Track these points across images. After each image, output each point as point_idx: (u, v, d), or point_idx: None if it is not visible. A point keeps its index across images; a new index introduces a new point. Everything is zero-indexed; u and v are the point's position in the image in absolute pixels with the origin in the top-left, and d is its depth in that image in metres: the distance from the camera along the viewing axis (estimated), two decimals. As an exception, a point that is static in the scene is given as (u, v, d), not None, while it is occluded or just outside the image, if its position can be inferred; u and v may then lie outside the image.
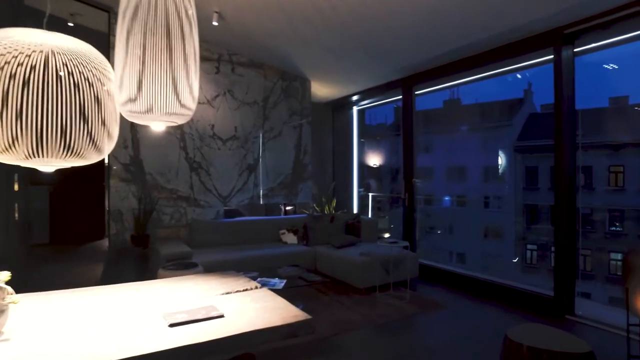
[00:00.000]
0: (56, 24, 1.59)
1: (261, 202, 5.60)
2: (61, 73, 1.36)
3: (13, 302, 1.57)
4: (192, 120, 4.97)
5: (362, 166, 7.46)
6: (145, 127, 3.95)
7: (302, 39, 4.58)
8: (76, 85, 1.40)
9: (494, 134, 11.90)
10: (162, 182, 4.83)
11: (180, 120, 1.74)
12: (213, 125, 5.20)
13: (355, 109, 6.87)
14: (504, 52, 3.95)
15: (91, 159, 1.55)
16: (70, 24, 4.55)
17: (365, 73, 5.48)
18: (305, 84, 6.01)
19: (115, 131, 1.63)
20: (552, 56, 3.57)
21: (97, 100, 1.47)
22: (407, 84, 5.16)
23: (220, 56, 5.23)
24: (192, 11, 1.62)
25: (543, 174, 10.49)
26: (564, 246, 3.47)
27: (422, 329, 3.33)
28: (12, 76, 1.29)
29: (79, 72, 1.41)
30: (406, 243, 4.12)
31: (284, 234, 5.11)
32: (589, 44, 3.44)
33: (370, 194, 7.08)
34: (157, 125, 1.77)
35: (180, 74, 1.59)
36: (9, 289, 1.59)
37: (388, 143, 10.70)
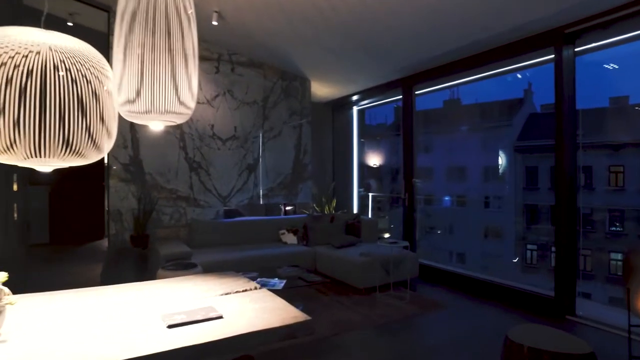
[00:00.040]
0: (55, 24, 1.59)
1: (261, 202, 5.59)
2: (62, 73, 1.35)
3: (10, 303, 1.56)
4: (191, 120, 4.97)
5: (362, 166, 7.44)
6: (144, 126, 3.95)
7: (302, 38, 4.57)
8: (74, 81, 1.39)
9: (494, 134, 11.88)
10: (162, 182, 4.83)
11: (179, 120, 1.74)
12: (213, 125, 5.19)
13: (355, 108, 6.86)
14: (504, 52, 3.94)
15: (91, 157, 1.54)
16: (70, 24, 4.55)
17: (365, 73, 5.47)
18: (305, 84, 6.01)
19: (114, 129, 1.62)
20: (552, 56, 3.56)
21: (96, 97, 1.46)
22: (407, 83, 5.16)
23: (220, 56, 5.22)
24: (191, 11, 1.62)
25: (543, 174, 10.47)
26: (565, 246, 3.46)
27: (422, 329, 3.32)
28: (9, 80, 1.29)
29: (77, 70, 1.40)
30: (406, 243, 4.11)
31: (283, 234, 5.10)
32: (590, 43, 3.44)
33: (370, 194, 7.08)
34: (156, 125, 1.76)
35: (180, 73, 1.59)
36: (6, 289, 1.58)
37: (388, 143, 10.67)
